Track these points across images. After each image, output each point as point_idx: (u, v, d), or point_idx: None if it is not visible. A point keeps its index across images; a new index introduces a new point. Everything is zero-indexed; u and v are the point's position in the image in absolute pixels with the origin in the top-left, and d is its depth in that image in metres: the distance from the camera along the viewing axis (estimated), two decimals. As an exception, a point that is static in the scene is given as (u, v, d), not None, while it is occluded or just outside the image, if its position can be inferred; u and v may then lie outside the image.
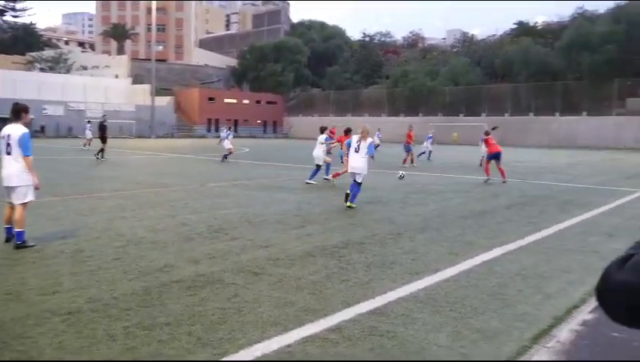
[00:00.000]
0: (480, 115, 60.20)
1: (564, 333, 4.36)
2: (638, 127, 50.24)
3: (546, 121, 55.89)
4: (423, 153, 27.04)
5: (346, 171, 11.70)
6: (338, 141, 15.58)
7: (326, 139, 15.82)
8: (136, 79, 72.82)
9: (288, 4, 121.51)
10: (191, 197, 11.91)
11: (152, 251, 6.67)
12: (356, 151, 10.96)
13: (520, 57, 62.18)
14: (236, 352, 3.79)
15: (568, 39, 58.66)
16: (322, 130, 16.04)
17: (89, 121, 34.10)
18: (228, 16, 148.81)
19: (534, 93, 59.82)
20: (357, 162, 10.94)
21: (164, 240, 7.29)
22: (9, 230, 6.98)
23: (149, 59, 65.05)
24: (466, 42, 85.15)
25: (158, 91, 65.37)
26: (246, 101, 76.96)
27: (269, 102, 79.13)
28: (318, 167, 15.45)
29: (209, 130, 68.98)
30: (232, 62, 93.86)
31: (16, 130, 6.87)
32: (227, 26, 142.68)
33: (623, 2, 60.56)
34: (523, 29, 72.62)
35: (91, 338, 3.96)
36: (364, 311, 4.67)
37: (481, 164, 18.02)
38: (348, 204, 10.78)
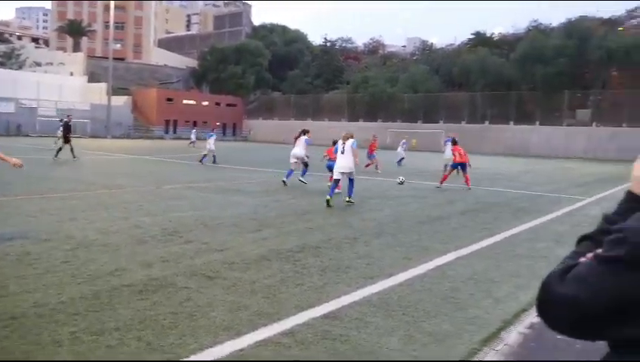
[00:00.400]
0: (438, 123, 61.29)
1: (513, 336, 4.47)
2: (587, 137, 52.15)
3: (500, 130, 57.32)
4: (403, 158, 27.73)
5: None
6: (327, 153, 16.04)
7: (306, 141, 16.29)
8: (93, 77, 71.06)
9: (250, 6, 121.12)
10: (145, 199, 11.68)
11: (103, 254, 6.51)
12: (342, 152, 12.12)
13: (477, 67, 63.67)
14: (187, 357, 3.73)
15: (523, 51, 60.43)
16: (304, 133, 16.57)
17: (61, 120, 32.90)
18: (189, 16, 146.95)
19: (490, 102, 61.31)
20: (344, 162, 12.03)
21: (116, 243, 7.12)
22: None
23: (107, 58, 63.60)
24: (426, 50, 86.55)
25: (115, 90, 63.96)
26: (205, 103, 76.09)
27: (228, 105, 78.47)
28: (306, 165, 16.05)
29: (167, 132, 67.87)
30: (192, 63, 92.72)
31: None
32: (188, 27, 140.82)
33: (574, 17, 62.91)
34: (480, 40, 74.36)
35: (35, 344, 3.83)
36: (318, 315, 4.67)
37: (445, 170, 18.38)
38: (347, 199, 12.09)
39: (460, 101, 63.59)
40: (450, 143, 19.32)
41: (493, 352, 4.13)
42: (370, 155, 23.36)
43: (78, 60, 74.82)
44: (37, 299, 4.77)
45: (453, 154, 17.04)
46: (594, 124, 53.99)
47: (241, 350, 3.90)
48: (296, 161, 16.04)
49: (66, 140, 22.77)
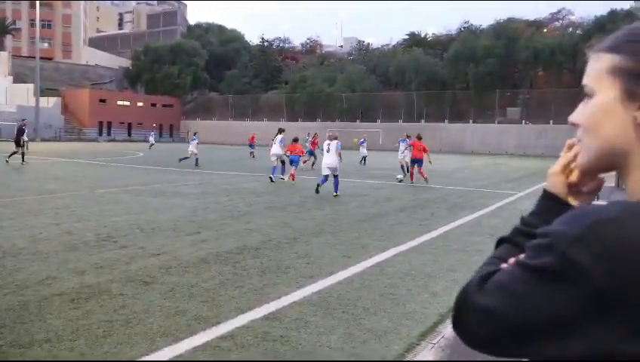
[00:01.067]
0: (376, 121, 62.30)
1: (449, 329, 4.60)
2: (517, 134, 54.45)
3: (436, 128, 58.85)
4: (365, 157, 28.14)
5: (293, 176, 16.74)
6: (289, 150, 18.33)
7: (281, 141, 18.17)
8: (18, 78, 67.68)
9: (185, 5, 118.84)
10: (78, 204, 11.25)
11: (32, 263, 6.22)
12: (327, 151, 14.11)
13: (412, 66, 65.15)
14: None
15: (455, 51, 62.38)
16: (280, 132, 18.65)
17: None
18: (121, 14, 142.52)
19: (425, 101, 62.88)
20: (330, 160, 13.93)
21: (46, 251, 6.82)
22: None
23: (33, 57, 60.74)
24: (362, 50, 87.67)
25: (44, 91, 61.21)
26: (140, 104, 74.08)
27: (165, 105, 76.72)
28: (283, 162, 18.17)
29: (101, 134, 65.62)
30: (126, 63, 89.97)
31: None
32: (120, 25, 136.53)
33: (502, 19, 65.52)
34: (414, 40, 76.12)
35: (-43, 360, 3.62)
36: (258, 316, 4.65)
37: (407, 170, 18.91)
38: (335, 194, 13.70)
39: (396, 100, 64.88)
40: (403, 143, 20.27)
41: (430, 346, 4.24)
42: (311, 151, 24.50)
43: (2, 60, 70.90)
44: (-42, 313, 4.51)
45: (412, 150, 18.06)
46: (523, 121, 56.41)
47: (179, 356, 3.83)
48: (276, 158, 18.08)
49: (17, 144, 22.80)
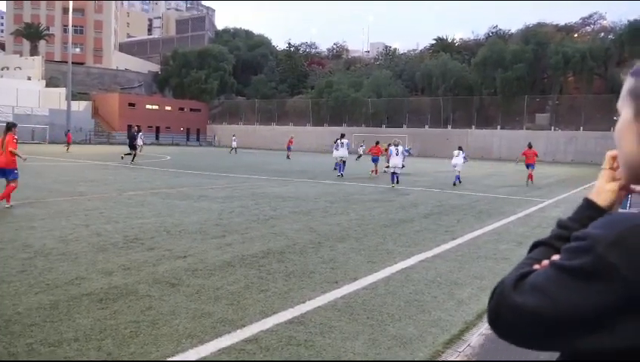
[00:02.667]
0: (402, 127, 62.06)
1: (475, 337, 4.54)
2: (546, 140, 53.59)
3: (462, 133, 58.35)
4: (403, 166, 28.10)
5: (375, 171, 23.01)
6: (370, 151, 25.64)
7: (347, 144, 23.07)
8: (51, 82, 69.29)
9: (213, 10, 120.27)
10: (107, 206, 11.44)
11: (62, 263, 6.34)
12: (397, 154, 18.50)
13: (439, 71, 64.79)
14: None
15: (483, 56, 61.82)
16: (343, 136, 23.66)
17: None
18: (150, 20, 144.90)
19: (452, 106, 62.43)
20: (397, 161, 18.48)
21: (76, 251, 6.95)
22: None
23: (65, 62, 62.12)
24: (389, 55, 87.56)
25: (75, 95, 62.59)
26: (168, 108, 75.16)
27: (192, 110, 77.70)
28: (344, 162, 22.77)
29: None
30: (155, 67, 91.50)
31: None
32: (149, 31, 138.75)
33: (532, 24, 64.71)
34: (442, 45, 75.75)
35: (-11, 357, 3.70)
36: (283, 320, 4.65)
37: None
38: (394, 185, 18.02)
39: (422, 105, 64.55)
40: (461, 152, 21.60)
41: (456, 354, 4.19)
42: (375, 158, 26.52)
43: (35, 64, 72.76)
44: (-9, 310, 4.61)
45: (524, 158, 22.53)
46: (552, 127, 55.54)
47: (204, 357, 3.85)
48: (340, 159, 22.65)
49: (133, 147, 27.03)
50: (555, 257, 0.92)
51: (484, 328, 4.74)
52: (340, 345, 4.17)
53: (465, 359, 4.14)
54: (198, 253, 7.15)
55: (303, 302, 5.18)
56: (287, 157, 38.45)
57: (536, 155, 22.81)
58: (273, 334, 4.33)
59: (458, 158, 20.21)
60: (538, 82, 61.66)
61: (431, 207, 13.25)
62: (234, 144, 47.31)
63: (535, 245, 1.04)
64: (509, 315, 0.90)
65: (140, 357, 3.79)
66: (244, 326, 4.47)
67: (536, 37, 60.58)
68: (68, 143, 39.49)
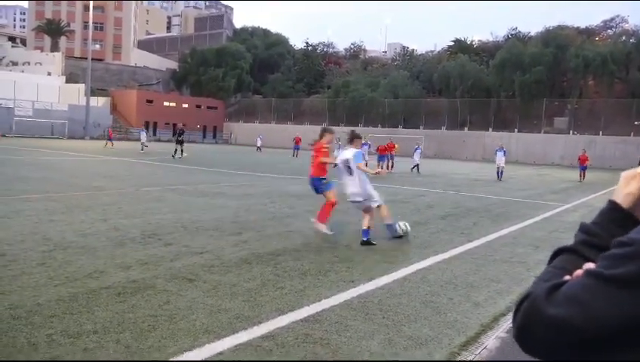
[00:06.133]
0: (418, 128, 61.77)
1: (492, 340, 4.51)
2: (564, 144, 52.98)
3: (480, 136, 57.97)
4: (418, 165, 27.48)
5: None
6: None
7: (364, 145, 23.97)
8: (71, 78, 70.13)
9: (232, 9, 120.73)
10: (125, 201, 11.55)
11: (81, 256, 6.42)
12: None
13: (456, 73, 64.35)
14: (166, 359, 3.70)
15: (501, 58, 61.27)
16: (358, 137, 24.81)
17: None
18: (169, 18, 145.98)
19: (469, 108, 62.01)
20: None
21: (95, 245, 7.03)
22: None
23: (85, 58, 62.82)
24: (406, 56, 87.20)
25: (94, 91, 63.25)
26: (186, 105, 75.65)
27: (209, 107, 78.11)
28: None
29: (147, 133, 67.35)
30: (173, 65, 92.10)
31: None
32: (168, 28, 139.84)
33: (551, 26, 64.02)
34: (460, 46, 75.22)
35: (11, 346, 3.77)
36: (299, 318, 4.67)
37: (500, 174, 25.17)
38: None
39: (440, 107, 64.18)
40: (500, 152, 25.64)
41: (472, 356, 4.17)
42: (390, 155, 27.05)
43: (56, 60, 73.66)
44: (12, 301, 4.69)
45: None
46: (571, 131, 54.93)
47: (220, 353, 3.88)
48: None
49: (181, 143, 29.83)
50: (590, 265, 0.85)
51: (500, 331, 4.72)
52: (356, 344, 4.18)
53: (479, 359, 4.12)
54: (214, 249, 7.20)
55: (319, 301, 5.19)
56: (294, 155, 39.18)
57: (588, 159, 28.70)
58: (289, 331, 4.34)
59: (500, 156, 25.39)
60: (557, 85, 60.99)
61: (447, 209, 13.17)
62: (259, 143, 48.35)
63: (558, 253, 0.98)
64: (541, 330, 0.83)
65: (156, 351, 3.83)
66: (261, 322, 4.50)
67: (556, 40, 59.86)
68: (109, 139, 40.80)
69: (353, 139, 9.00)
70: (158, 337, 4.07)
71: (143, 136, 36.81)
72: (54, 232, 7.76)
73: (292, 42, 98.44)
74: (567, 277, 0.88)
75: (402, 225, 8.70)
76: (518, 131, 57.42)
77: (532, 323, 0.85)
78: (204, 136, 75.52)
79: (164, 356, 3.75)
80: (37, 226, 8.17)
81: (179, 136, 30.47)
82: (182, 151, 29.50)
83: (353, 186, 8.45)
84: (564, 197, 17.95)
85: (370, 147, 29.82)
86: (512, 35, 71.63)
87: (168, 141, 44.01)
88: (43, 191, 12.33)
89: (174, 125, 66.34)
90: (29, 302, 4.67)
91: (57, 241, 7.16)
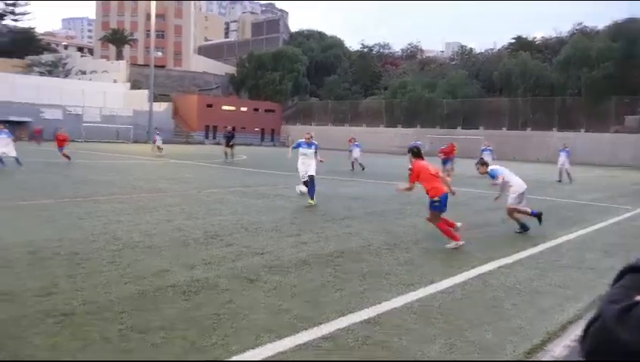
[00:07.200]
0: (478, 128, 60.33)
1: (559, 349, 4.36)
2: (635, 144, 50.34)
3: (543, 136, 55.99)
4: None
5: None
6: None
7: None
8: (135, 84, 72.80)
9: (287, 13, 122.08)
10: (187, 202, 11.90)
11: (148, 255, 6.66)
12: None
13: (518, 71, 62.37)
14: (229, 357, 3.79)
15: (566, 54, 58.87)
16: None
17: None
18: (227, 24, 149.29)
19: (532, 107, 60.04)
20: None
21: (160, 245, 7.28)
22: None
23: (148, 65, 65.06)
24: (465, 55, 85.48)
25: (156, 97, 65.35)
26: (244, 109, 77.02)
27: (267, 111, 79.21)
28: None
29: (207, 137, 69.02)
30: (231, 69, 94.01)
31: None
32: (226, 34, 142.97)
33: (621, 20, 61.02)
34: (521, 44, 72.98)
35: (85, 339, 3.96)
36: (359, 320, 4.67)
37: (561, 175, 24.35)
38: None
39: (500, 106, 62.41)
40: (564, 152, 24.49)
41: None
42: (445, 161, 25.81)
43: (120, 68, 76.77)
44: (86, 297, 4.92)
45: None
46: (643, 130, 52.17)
47: (282, 352, 3.93)
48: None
49: (231, 146, 30.35)
50: None
51: (569, 339, 4.55)
52: (417, 348, 4.13)
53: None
54: (274, 250, 7.30)
55: (379, 303, 5.17)
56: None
57: None
58: (350, 333, 4.35)
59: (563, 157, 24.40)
60: (628, 82, 57.80)
61: (509, 211, 12.80)
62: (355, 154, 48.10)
63: (625, 272, 0.92)
64: (613, 352, 0.79)
65: (220, 348, 3.92)
66: (321, 323, 4.52)
67: (626, 33, 56.81)
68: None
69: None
70: (222, 335, 4.17)
71: (159, 139, 35.43)
72: (122, 232, 8.09)
73: (348, 44, 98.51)
74: (638, 298, 0.83)
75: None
76: (585, 131, 55.07)
77: (605, 349, 0.81)
78: (262, 139, 76.64)
79: (228, 354, 3.84)
80: (106, 226, 8.53)
81: (228, 141, 30.78)
82: (232, 154, 29.95)
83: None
84: (636, 200, 17.11)
85: (492, 152, 27.11)
86: (577, 30, 68.87)
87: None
88: (110, 193, 12.87)
89: (224, 128, 67.80)
90: (101, 298, 4.90)
91: (125, 241, 7.46)
